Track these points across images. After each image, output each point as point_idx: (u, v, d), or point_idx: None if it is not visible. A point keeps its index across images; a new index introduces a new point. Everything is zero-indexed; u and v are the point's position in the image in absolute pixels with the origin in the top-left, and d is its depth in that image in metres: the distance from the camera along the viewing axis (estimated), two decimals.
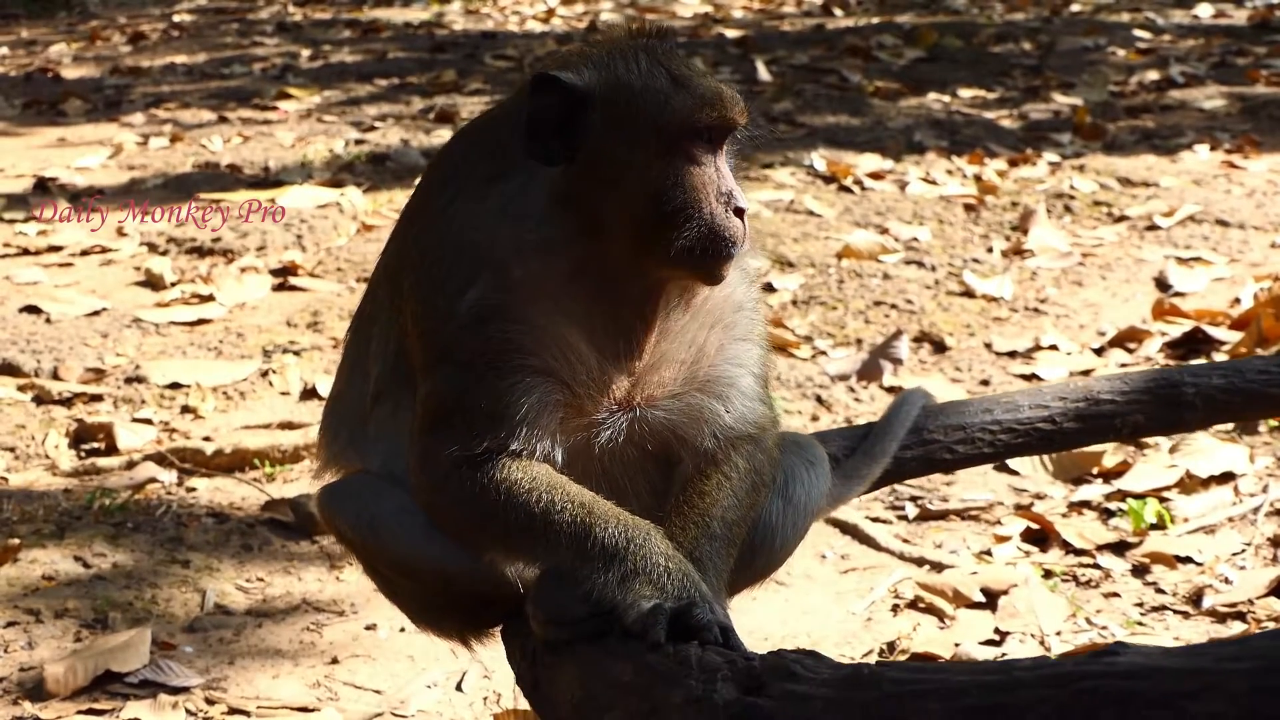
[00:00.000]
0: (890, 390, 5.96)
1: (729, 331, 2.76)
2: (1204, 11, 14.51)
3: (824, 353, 6.38)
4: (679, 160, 2.61)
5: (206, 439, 5.63)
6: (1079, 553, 4.77)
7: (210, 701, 4.11)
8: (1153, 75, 11.51)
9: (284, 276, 7.27)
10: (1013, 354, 6.31)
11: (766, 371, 2.83)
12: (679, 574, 2.50)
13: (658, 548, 2.53)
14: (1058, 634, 4.29)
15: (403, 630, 4.42)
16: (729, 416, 2.73)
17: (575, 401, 2.65)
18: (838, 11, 15.30)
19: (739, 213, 2.64)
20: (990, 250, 7.55)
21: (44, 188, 9.02)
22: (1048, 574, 4.63)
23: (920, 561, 4.76)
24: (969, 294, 6.98)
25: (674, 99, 2.61)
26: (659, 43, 2.71)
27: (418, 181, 2.96)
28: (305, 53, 13.83)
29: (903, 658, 4.24)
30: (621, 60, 2.65)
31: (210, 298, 7.03)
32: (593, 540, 2.53)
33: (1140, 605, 4.47)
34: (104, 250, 7.73)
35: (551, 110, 2.60)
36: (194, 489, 5.31)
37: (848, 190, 8.50)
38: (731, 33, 14.02)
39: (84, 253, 7.73)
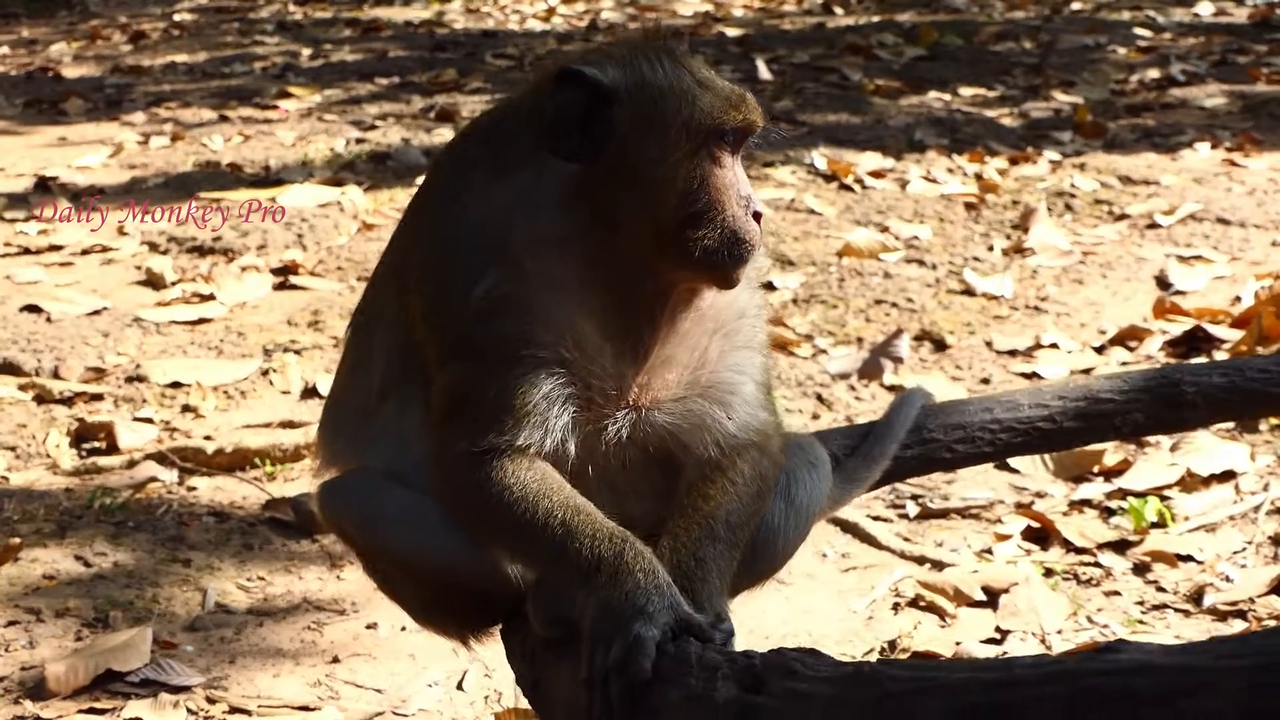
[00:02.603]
0: (891, 389, 5.96)
1: (731, 338, 2.74)
2: (1205, 10, 14.50)
3: (825, 351, 6.38)
4: (704, 161, 2.60)
5: (207, 438, 5.63)
6: (1080, 551, 4.77)
7: (211, 700, 4.11)
8: (1153, 73, 11.51)
9: (285, 275, 7.27)
10: (1013, 352, 6.31)
11: (769, 378, 2.82)
12: (660, 592, 2.43)
13: (641, 564, 2.47)
14: (1059, 632, 4.30)
15: (404, 629, 4.42)
16: (732, 424, 2.71)
17: (587, 395, 2.63)
18: (838, 10, 15.29)
19: (756, 216, 2.63)
20: (991, 249, 7.55)
21: (45, 187, 9.02)
22: (1048, 572, 4.63)
23: (921, 560, 4.76)
24: (970, 292, 6.98)
25: (702, 99, 2.60)
26: (676, 45, 2.70)
27: (424, 175, 2.95)
28: (306, 52, 13.83)
29: (903, 656, 4.24)
30: (645, 60, 2.63)
31: (211, 297, 7.03)
32: (569, 555, 2.50)
33: (1141, 604, 4.47)
34: (105, 249, 7.73)
35: (576, 106, 2.57)
36: (195, 488, 5.31)
37: (848, 189, 8.49)
38: (732, 31, 14.02)
39: (85, 252, 7.73)
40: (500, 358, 2.58)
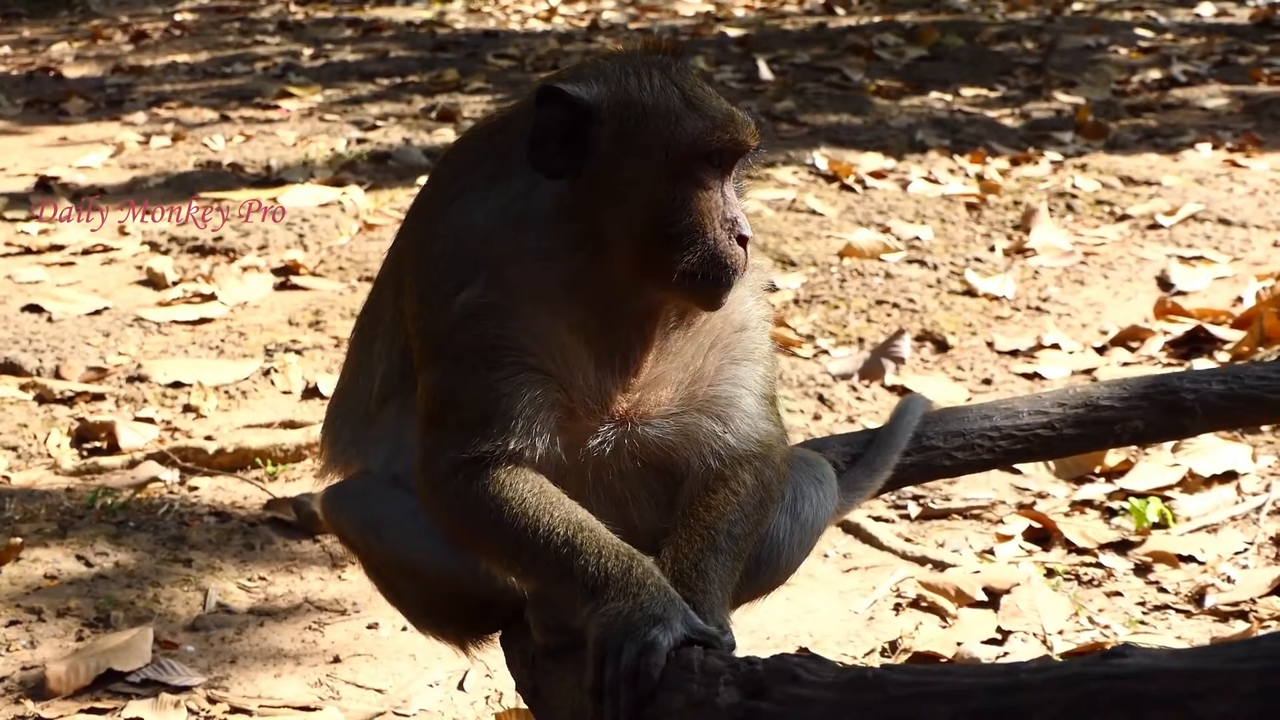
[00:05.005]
0: (892, 389, 5.96)
1: (728, 352, 2.71)
2: (1206, 10, 14.50)
3: (826, 352, 6.38)
4: (686, 183, 2.55)
5: (208, 438, 5.63)
6: (1081, 552, 4.77)
7: (212, 700, 4.11)
8: (1155, 74, 11.50)
9: (286, 275, 7.27)
10: (1015, 353, 6.31)
11: (772, 389, 2.78)
12: (673, 603, 2.42)
13: (652, 579, 2.46)
14: (1060, 633, 4.29)
15: (405, 629, 4.42)
16: (731, 436, 2.68)
17: (570, 405, 2.61)
18: (839, 10, 15.29)
19: (742, 241, 2.58)
20: (992, 249, 7.55)
21: (46, 187, 9.01)
22: (1050, 573, 4.63)
23: (923, 560, 4.76)
24: (971, 293, 6.98)
25: (686, 120, 2.56)
26: (673, 60, 2.65)
27: (424, 181, 2.96)
28: (307, 52, 13.83)
29: (904, 657, 4.24)
30: (634, 76, 2.59)
31: (212, 297, 7.03)
32: (574, 573, 2.47)
33: (1143, 604, 4.47)
34: (106, 249, 7.73)
35: (557, 123, 2.55)
36: (196, 488, 5.31)
37: (850, 189, 8.49)
38: (733, 31, 14.02)
39: (86, 252, 7.73)
40: (483, 362, 2.57)
